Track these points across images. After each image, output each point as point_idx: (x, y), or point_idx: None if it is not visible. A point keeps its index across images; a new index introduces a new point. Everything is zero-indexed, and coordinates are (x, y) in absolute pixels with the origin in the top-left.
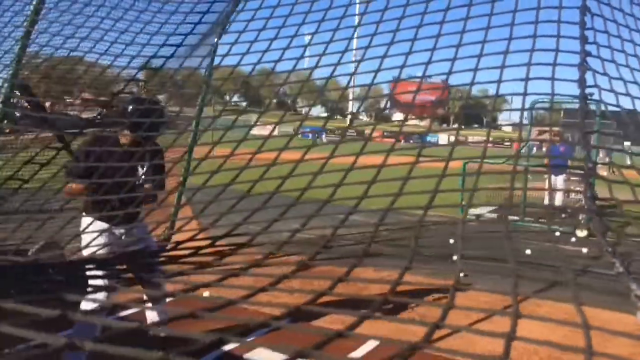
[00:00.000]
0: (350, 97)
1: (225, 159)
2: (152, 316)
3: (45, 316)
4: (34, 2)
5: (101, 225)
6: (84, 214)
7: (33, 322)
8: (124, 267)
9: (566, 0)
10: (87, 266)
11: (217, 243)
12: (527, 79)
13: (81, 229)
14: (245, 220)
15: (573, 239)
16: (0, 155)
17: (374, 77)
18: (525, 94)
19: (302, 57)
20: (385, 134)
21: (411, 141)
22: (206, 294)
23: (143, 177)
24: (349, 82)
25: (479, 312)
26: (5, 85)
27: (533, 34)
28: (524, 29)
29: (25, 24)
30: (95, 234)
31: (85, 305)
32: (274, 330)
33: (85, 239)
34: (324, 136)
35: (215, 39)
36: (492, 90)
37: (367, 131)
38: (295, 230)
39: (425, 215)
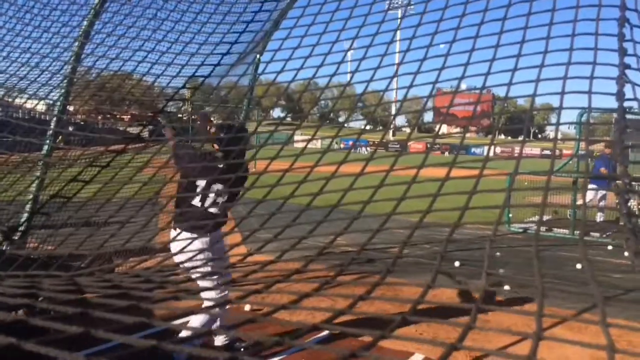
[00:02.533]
0: (393, 110)
1: (259, 175)
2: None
3: (72, 333)
4: (83, 25)
5: (188, 235)
6: (174, 227)
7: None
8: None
9: (604, 12)
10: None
11: (252, 259)
12: (562, 93)
13: (171, 240)
14: (275, 237)
15: (626, 253)
16: (50, 171)
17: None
18: (560, 108)
19: (335, 72)
20: (429, 146)
21: (455, 152)
22: (247, 307)
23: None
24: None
25: (509, 334)
26: (58, 105)
27: (569, 46)
28: (560, 41)
29: (75, 46)
30: (183, 245)
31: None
32: (298, 350)
33: (175, 249)
34: (365, 149)
35: (257, 56)
36: (538, 100)
37: (410, 143)
38: (322, 248)
39: (452, 234)
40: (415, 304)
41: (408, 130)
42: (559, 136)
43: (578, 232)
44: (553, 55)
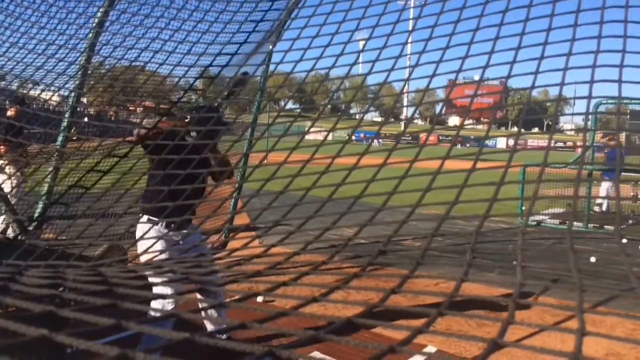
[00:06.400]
0: (405, 101)
1: (279, 166)
2: (209, 326)
3: (103, 325)
4: (98, 15)
5: (159, 230)
6: (142, 217)
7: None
8: (184, 275)
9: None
10: (148, 273)
11: (272, 251)
12: (592, 82)
13: (139, 234)
14: (298, 228)
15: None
16: (65, 162)
17: (429, 81)
18: (590, 97)
19: (355, 62)
20: (441, 138)
21: (467, 145)
22: (259, 298)
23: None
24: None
25: (536, 328)
26: (72, 95)
27: (598, 34)
28: (588, 29)
29: (90, 35)
30: (153, 240)
31: (154, 309)
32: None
33: (143, 244)
34: (377, 141)
35: (270, 47)
36: (552, 91)
37: (423, 136)
38: (348, 239)
39: (481, 226)
40: (450, 298)
41: (420, 122)
42: (572, 127)
43: (592, 225)
44: (579, 43)
